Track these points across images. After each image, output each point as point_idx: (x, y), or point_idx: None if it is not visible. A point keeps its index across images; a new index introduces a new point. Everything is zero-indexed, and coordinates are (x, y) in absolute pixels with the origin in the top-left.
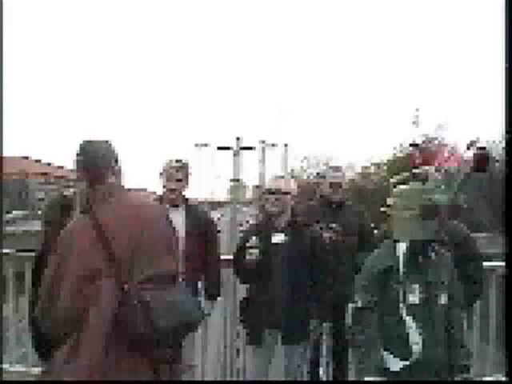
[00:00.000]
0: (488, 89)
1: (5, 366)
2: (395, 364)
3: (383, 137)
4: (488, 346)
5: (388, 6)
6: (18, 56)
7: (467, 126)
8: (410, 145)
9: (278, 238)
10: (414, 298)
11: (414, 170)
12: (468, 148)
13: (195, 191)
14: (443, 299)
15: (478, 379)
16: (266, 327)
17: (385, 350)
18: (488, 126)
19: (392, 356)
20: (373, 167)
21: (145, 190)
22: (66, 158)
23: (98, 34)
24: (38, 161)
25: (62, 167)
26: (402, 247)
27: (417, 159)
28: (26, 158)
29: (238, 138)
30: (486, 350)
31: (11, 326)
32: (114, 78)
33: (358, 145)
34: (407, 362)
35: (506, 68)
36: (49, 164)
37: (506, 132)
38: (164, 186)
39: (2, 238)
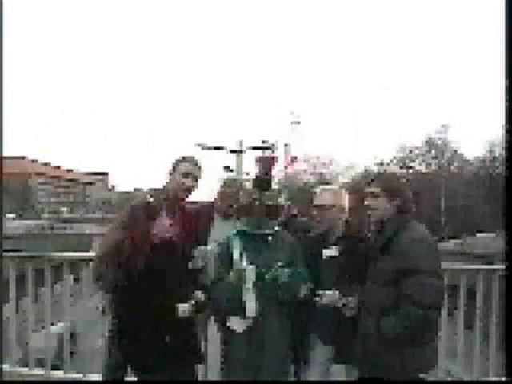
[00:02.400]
0: (489, 89)
1: (5, 366)
2: None
3: (384, 137)
4: (488, 346)
5: (388, 7)
6: (18, 56)
7: (468, 126)
8: (258, 148)
9: (329, 252)
10: None
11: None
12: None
13: (195, 192)
14: None
15: (479, 379)
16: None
17: None
18: (488, 125)
19: None
20: (375, 167)
21: None
22: (65, 159)
23: (99, 35)
24: (37, 161)
25: (60, 167)
26: None
27: (262, 163)
28: (26, 157)
29: (238, 139)
30: (486, 350)
31: (12, 326)
32: (116, 80)
33: (359, 145)
34: None
35: (506, 68)
36: (49, 164)
37: (506, 132)
38: (182, 183)
39: (1, 237)
